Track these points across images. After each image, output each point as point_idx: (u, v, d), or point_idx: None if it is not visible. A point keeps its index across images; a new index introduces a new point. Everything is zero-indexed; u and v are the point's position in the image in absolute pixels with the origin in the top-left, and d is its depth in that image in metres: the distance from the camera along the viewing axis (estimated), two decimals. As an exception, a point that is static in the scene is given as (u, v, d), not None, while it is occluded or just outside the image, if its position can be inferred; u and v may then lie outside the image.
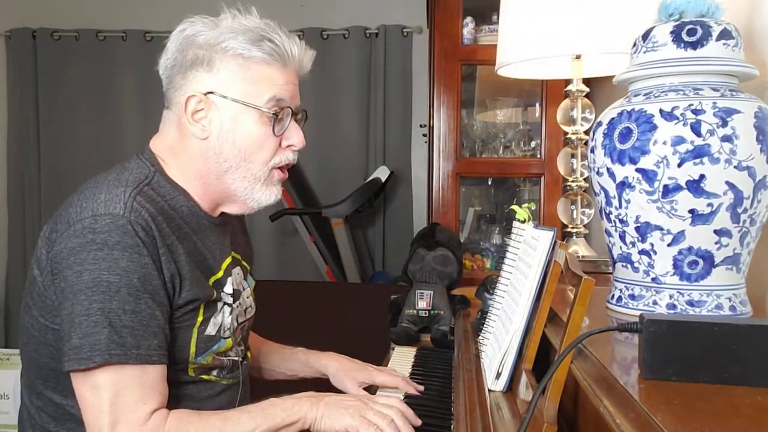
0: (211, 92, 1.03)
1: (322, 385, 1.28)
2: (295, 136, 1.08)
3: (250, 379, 1.24)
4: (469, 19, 2.27)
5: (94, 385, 0.92)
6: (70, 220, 0.96)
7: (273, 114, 1.04)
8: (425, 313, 1.54)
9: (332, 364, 1.29)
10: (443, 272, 1.58)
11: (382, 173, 3.37)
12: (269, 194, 1.09)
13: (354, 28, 3.58)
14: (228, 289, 1.11)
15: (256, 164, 1.06)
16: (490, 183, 2.59)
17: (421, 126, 3.50)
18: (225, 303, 1.10)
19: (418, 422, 1.03)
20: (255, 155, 1.05)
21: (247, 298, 1.20)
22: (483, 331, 1.14)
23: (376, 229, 3.65)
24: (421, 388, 1.23)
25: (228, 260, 1.14)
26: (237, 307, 1.13)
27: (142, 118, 3.70)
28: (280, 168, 1.09)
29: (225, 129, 1.04)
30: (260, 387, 1.27)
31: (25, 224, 3.75)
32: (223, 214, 1.13)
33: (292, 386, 1.26)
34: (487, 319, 1.13)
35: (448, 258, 1.60)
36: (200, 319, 1.04)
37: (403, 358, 1.44)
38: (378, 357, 1.42)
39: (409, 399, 1.21)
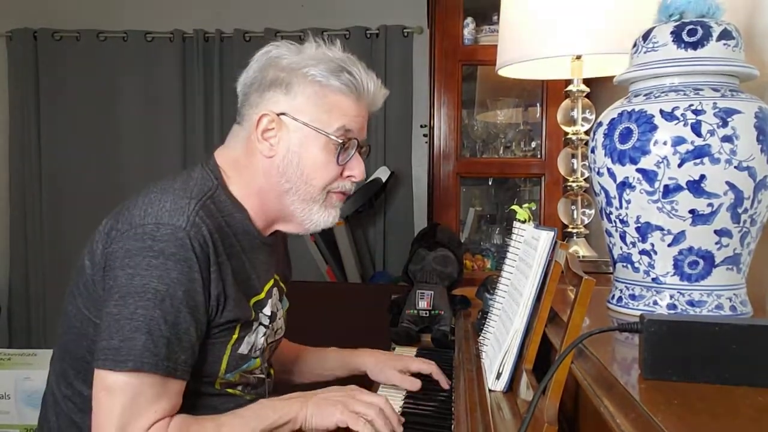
0: (285, 114, 1.06)
1: (355, 383, 1.29)
2: (356, 168, 1.11)
3: (280, 385, 1.26)
4: (469, 19, 2.27)
5: (112, 387, 0.93)
6: (132, 222, 0.97)
7: (340, 143, 1.07)
8: (426, 313, 1.54)
9: (369, 360, 1.31)
10: (444, 272, 1.58)
11: (382, 173, 3.37)
12: (327, 216, 1.11)
13: (354, 29, 3.58)
14: (267, 311, 1.13)
15: (315, 188, 1.08)
16: (490, 183, 2.59)
17: (421, 126, 3.49)
18: (261, 324, 1.11)
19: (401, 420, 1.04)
20: (315, 179, 1.08)
21: (280, 319, 1.20)
22: (483, 331, 1.14)
23: (376, 229, 3.65)
24: (448, 383, 1.24)
25: (271, 282, 1.16)
26: (271, 327, 1.15)
27: (142, 119, 3.70)
28: (337, 192, 1.11)
29: (291, 150, 1.06)
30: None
31: (26, 224, 3.75)
32: (273, 234, 1.15)
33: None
34: (487, 319, 1.13)
35: (448, 258, 1.60)
36: (235, 336, 1.06)
37: (403, 358, 1.44)
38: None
39: (409, 398, 1.22)
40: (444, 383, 1.24)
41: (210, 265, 0.98)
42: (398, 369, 1.27)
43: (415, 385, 1.22)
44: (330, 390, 1.07)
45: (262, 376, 1.16)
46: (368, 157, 1.17)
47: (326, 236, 3.39)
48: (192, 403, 1.01)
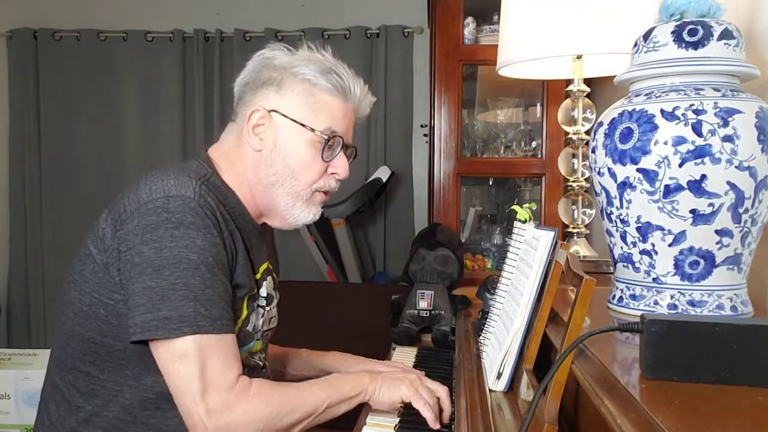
0: (275, 110, 1.11)
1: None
2: (340, 166, 1.14)
3: None
4: (470, 19, 2.27)
5: (184, 354, 0.96)
6: (140, 201, 1.00)
7: (325, 139, 1.11)
8: (426, 313, 1.54)
9: (336, 363, 1.34)
10: (444, 272, 1.58)
11: (383, 173, 3.37)
12: (308, 213, 1.15)
13: (355, 29, 3.58)
14: (263, 291, 1.17)
15: (300, 183, 1.12)
16: (491, 183, 2.60)
17: (422, 126, 3.50)
18: (259, 305, 1.15)
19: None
20: (301, 175, 1.12)
21: (273, 308, 1.24)
22: (484, 331, 1.14)
23: (377, 229, 3.65)
24: (422, 373, 1.27)
25: (265, 265, 1.20)
26: (267, 312, 1.19)
27: (142, 118, 3.71)
28: (322, 192, 1.16)
29: (279, 145, 1.11)
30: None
31: (26, 224, 3.75)
32: (262, 225, 1.19)
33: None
34: (488, 319, 1.13)
35: (449, 258, 1.60)
36: (245, 312, 1.10)
37: (404, 358, 1.44)
38: (379, 357, 1.42)
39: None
40: None
41: (222, 230, 1.03)
42: None
43: None
44: (397, 371, 1.14)
45: (260, 363, 1.18)
46: (356, 158, 1.21)
47: (326, 236, 3.39)
48: None
